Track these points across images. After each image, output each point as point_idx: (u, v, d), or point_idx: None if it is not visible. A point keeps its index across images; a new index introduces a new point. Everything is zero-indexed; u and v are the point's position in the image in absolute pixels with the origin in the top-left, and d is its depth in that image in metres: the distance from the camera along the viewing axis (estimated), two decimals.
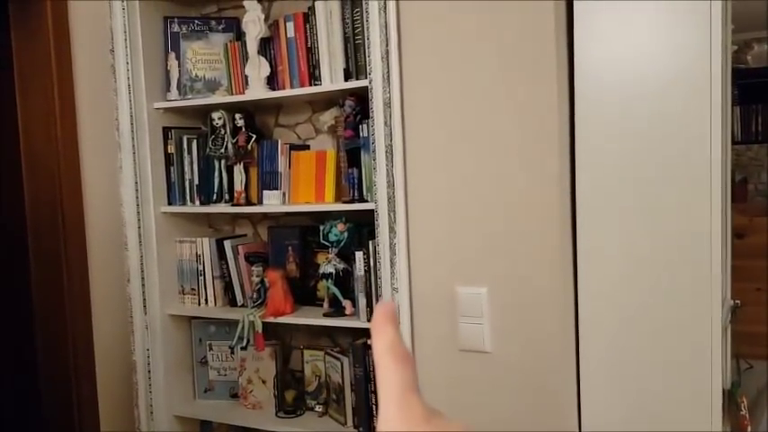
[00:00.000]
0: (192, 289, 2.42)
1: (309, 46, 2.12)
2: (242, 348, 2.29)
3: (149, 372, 2.37)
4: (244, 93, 2.24)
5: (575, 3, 1.74)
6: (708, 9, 1.61)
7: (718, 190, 1.62)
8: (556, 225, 1.71)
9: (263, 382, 2.37)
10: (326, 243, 2.11)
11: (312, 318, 2.14)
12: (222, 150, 2.28)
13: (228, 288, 2.39)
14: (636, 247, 1.71)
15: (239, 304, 2.37)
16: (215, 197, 2.34)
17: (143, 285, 2.35)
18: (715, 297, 1.64)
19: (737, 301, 2.04)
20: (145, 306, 2.35)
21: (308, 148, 2.32)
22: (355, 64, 2.04)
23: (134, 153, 2.30)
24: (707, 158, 1.62)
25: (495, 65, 1.74)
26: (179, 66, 2.32)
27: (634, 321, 1.73)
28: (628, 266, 1.73)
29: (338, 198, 2.12)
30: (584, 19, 1.73)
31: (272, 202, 2.21)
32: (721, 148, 1.64)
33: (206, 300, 2.40)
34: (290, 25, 2.14)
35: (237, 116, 2.28)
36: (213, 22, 2.35)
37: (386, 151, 1.86)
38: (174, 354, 2.44)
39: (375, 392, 2.04)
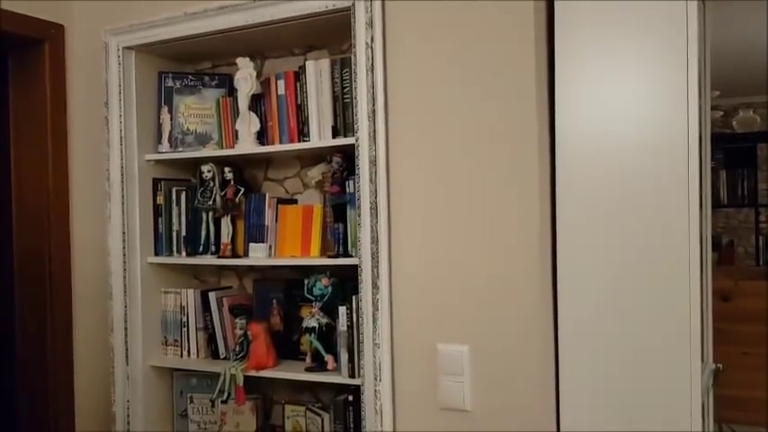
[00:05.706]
0: (176, 340, 2.41)
1: (299, 103, 2.17)
2: (223, 402, 2.27)
3: (129, 424, 2.34)
4: (234, 147, 2.28)
5: (556, 71, 1.80)
6: (685, 75, 1.67)
7: (696, 254, 1.66)
8: (536, 285, 1.73)
9: None
10: (311, 297, 2.12)
11: (294, 372, 2.13)
12: (210, 203, 2.31)
13: (212, 340, 2.38)
14: (615, 309, 1.73)
15: (222, 356, 2.36)
16: (201, 249, 2.35)
17: (126, 336, 2.34)
18: (694, 359, 1.66)
19: (719, 365, 2.05)
20: (127, 357, 2.34)
21: (295, 202, 2.35)
22: (343, 122, 2.08)
23: (123, 203, 2.33)
24: (685, 223, 1.66)
25: (478, 127, 1.78)
26: (171, 119, 2.36)
27: (614, 381, 1.73)
28: (607, 326, 1.74)
29: (323, 252, 2.14)
30: (564, 88, 1.79)
31: (258, 255, 2.23)
32: (699, 212, 1.67)
33: (188, 351, 2.39)
34: (281, 83, 2.20)
35: (227, 169, 2.31)
36: (206, 78, 2.40)
37: (370, 208, 1.88)
38: (154, 406, 2.41)
39: None
